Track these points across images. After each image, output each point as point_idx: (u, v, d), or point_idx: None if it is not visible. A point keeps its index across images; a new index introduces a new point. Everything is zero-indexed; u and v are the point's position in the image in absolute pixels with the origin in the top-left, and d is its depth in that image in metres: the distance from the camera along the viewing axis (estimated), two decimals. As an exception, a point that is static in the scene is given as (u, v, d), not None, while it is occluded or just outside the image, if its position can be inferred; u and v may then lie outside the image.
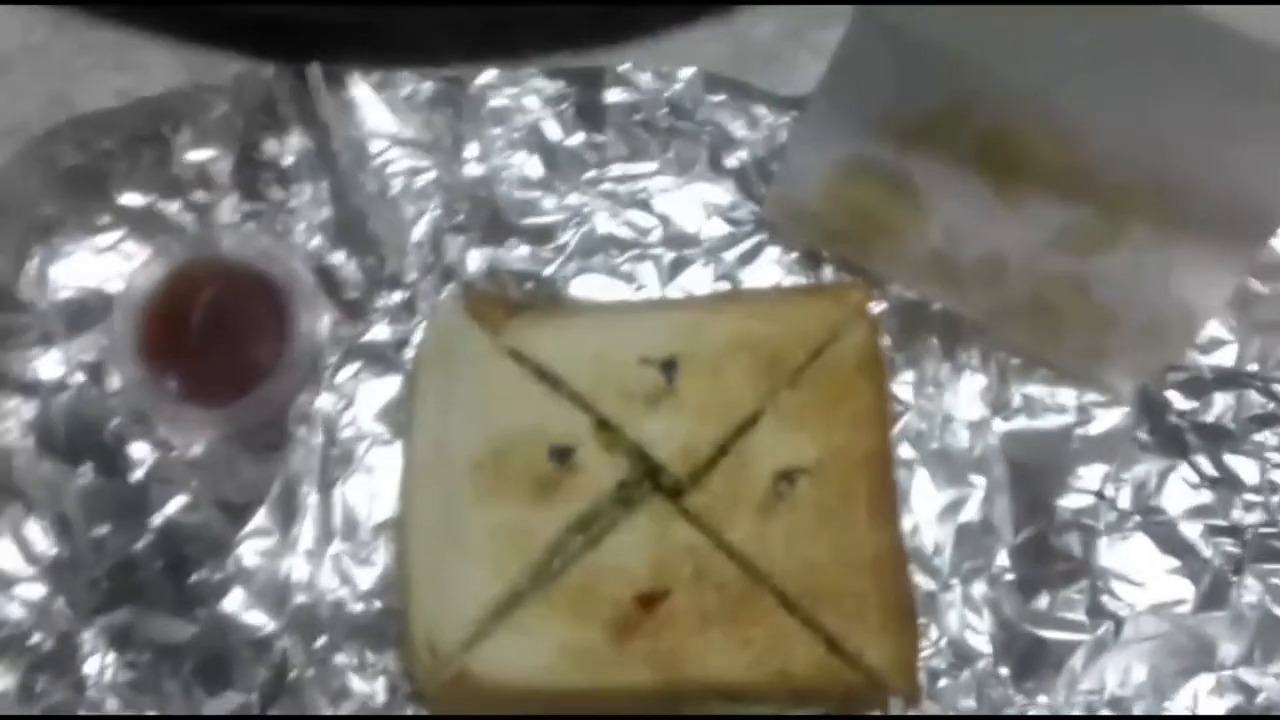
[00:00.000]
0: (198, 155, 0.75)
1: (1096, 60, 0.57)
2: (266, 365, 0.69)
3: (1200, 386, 0.71)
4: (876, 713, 0.64)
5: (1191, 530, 0.68)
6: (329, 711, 0.64)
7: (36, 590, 0.66)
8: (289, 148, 0.75)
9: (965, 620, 0.66)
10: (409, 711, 0.64)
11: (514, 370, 0.66)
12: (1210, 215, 0.61)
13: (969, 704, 0.65)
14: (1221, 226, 0.61)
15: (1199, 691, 0.65)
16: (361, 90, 0.75)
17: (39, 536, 0.67)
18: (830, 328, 0.67)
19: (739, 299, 0.71)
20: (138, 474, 0.69)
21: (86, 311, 0.72)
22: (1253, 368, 0.71)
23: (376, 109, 0.75)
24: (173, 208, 0.74)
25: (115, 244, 0.74)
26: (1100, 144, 0.60)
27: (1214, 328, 0.71)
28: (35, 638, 0.65)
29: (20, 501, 0.68)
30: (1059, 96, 0.59)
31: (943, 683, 0.65)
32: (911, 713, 0.64)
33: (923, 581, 0.67)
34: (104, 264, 0.73)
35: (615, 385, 0.65)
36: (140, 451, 0.69)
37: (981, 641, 0.66)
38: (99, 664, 0.65)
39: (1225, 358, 0.71)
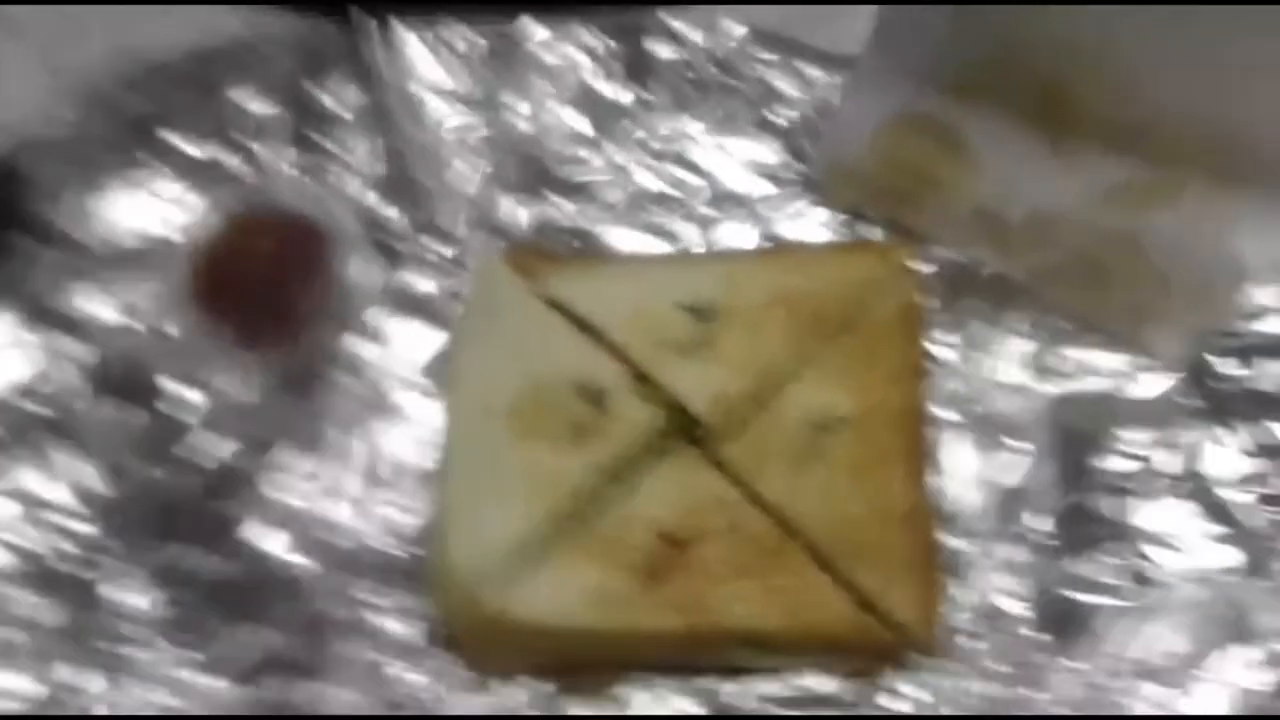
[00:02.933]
0: (256, 107, 0.76)
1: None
2: (317, 313, 0.70)
3: (1249, 352, 0.69)
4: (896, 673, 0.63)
5: (1238, 498, 0.66)
6: (370, 653, 0.65)
7: (86, 528, 0.68)
8: (344, 101, 0.76)
9: (999, 584, 0.65)
10: (444, 656, 0.65)
11: (553, 319, 0.67)
12: (1270, 169, 0.59)
13: (998, 668, 0.64)
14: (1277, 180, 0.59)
15: (1238, 663, 0.63)
16: (414, 46, 0.77)
17: (92, 478, 0.69)
18: (871, 284, 0.67)
19: (779, 253, 0.71)
20: (190, 418, 0.70)
21: (145, 258, 0.74)
22: (1305, 335, 0.69)
23: (429, 64, 0.76)
24: (232, 160, 0.76)
25: (177, 194, 0.76)
26: (1159, 93, 0.59)
27: (1264, 295, 0.69)
28: (87, 574, 0.67)
29: (74, 441, 0.70)
30: (1116, 41, 0.58)
31: (974, 644, 0.64)
32: (937, 677, 0.63)
33: (961, 545, 0.66)
34: (164, 211, 0.75)
35: (652, 335, 0.65)
36: (194, 397, 0.71)
37: (1015, 605, 0.65)
38: (148, 600, 0.66)
39: (1274, 324, 0.69)
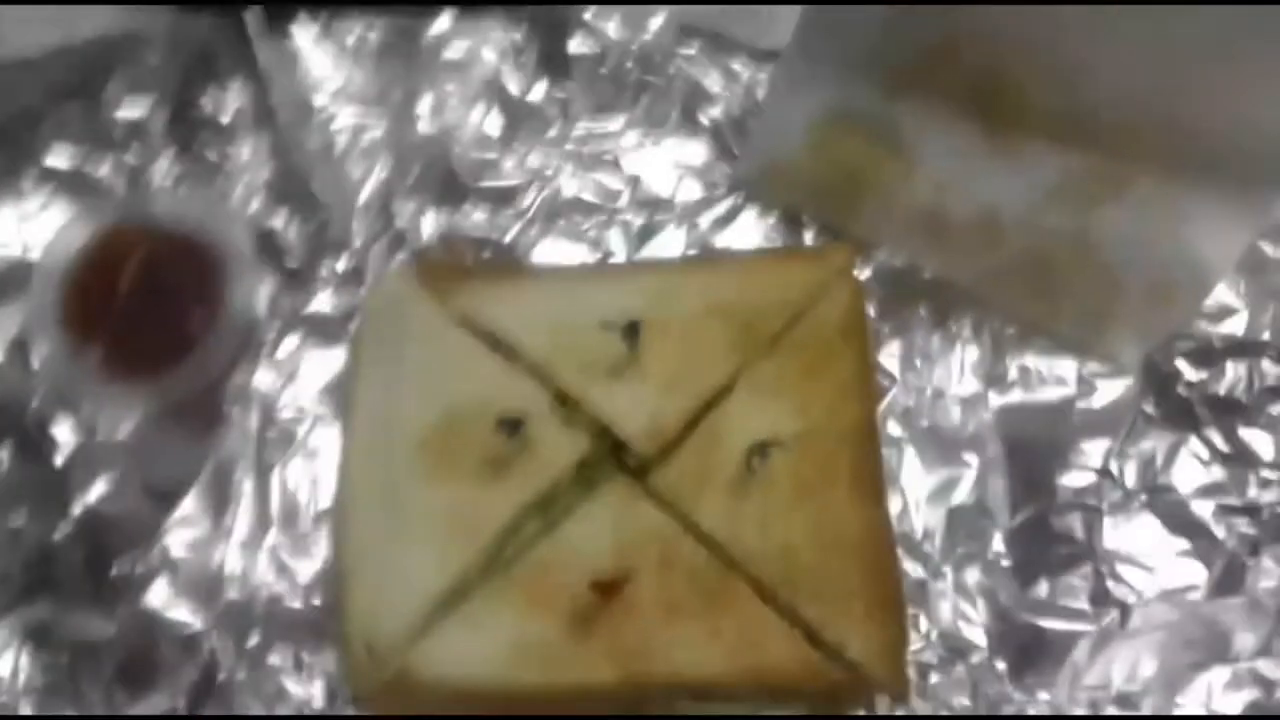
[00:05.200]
0: (129, 111, 0.70)
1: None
2: (198, 337, 0.63)
3: (1210, 356, 0.65)
4: (861, 712, 0.58)
5: (1203, 509, 0.62)
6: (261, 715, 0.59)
7: (-57, 584, 0.61)
8: (227, 102, 0.70)
9: (958, 610, 0.61)
10: (349, 713, 0.59)
11: (465, 339, 0.61)
12: (1223, 159, 0.56)
13: (963, 702, 0.59)
14: (1235, 172, 0.56)
15: (1213, 685, 0.59)
16: (304, 39, 0.70)
17: (-51, 525, 0.62)
18: (810, 291, 0.62)
19: (710, 262, 0.66)
20: (59, 458, 0.64)
21: (8, 281, 0.67)
22: (1265, 336, 0.66)
23: (320, 60, 0.70)
24: (103, 168, 0.69)
25: (40, 208, 0.69)
26: (1102, 78, 0.55)
27: (1223, 294, 0.66)
28: (-58, 636, 0.60)
29: (-71, 487, 0.63)
30: (1059, 26, 0.54)
31: (934, 679, 0.60)
32: (900, 712, 0.58)
33: (912, 569, 0.61)
34: (28, 229, 0.68)
35: (575, 355, 0.59)
36: (63, 433, 0.64)
37: (976, 633, 0.60)
38: (12, 664, 0.60)
39: (1236, 326, 0.66)
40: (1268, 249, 0.67)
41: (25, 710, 0.60)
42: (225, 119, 0.70)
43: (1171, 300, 0.61)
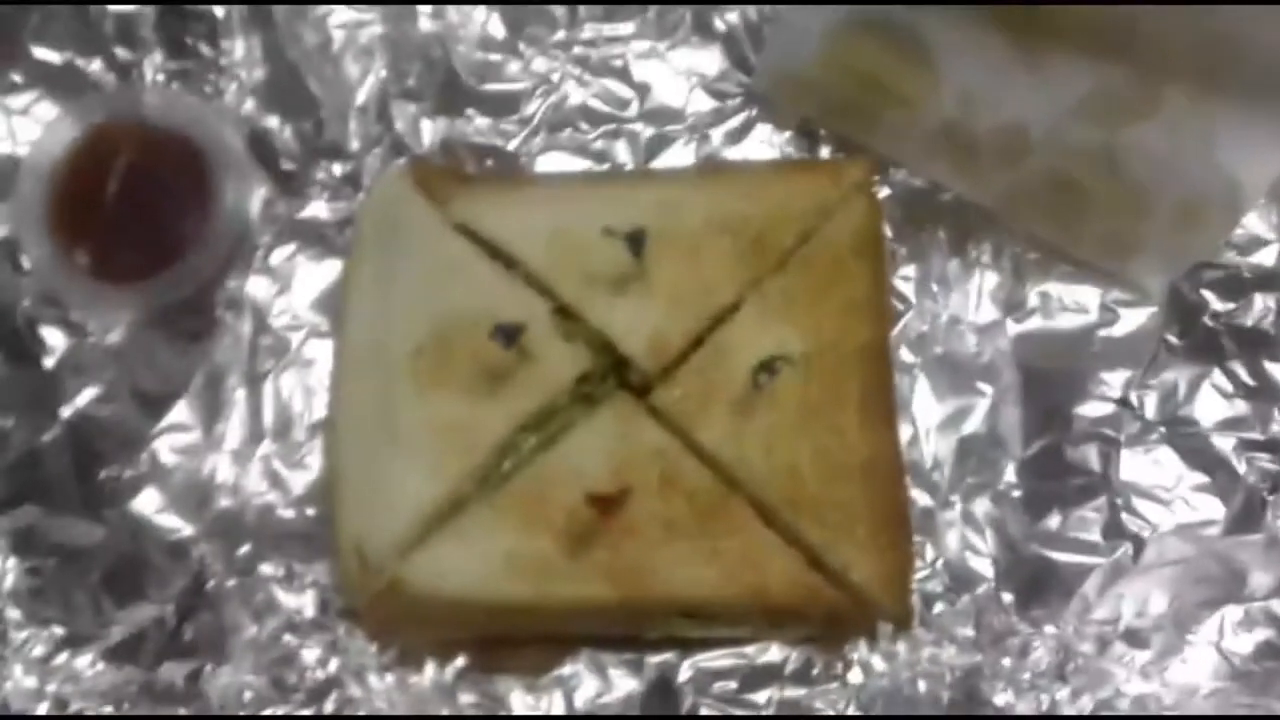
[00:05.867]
0: (118, 6, 0.67)
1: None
2: (189, 239, 0.61)
3: (1238, 286, 0.63)
4: (861, 646, 0.57)
5: (1224, 444, 0.60)
6: (256, 627, 0.58)
7: (-71, 485, 0.60)
8: (220, -3, 0.67)
9: (966, 540, 0.59)
10: (340, 629, 0.58)
11: (463, 247, 0.59)
12: (1259, 73, 0.53)
13: (966, 633, 0.58)
14: (1271, 87, 0.53)
15: (1225, 623, 0.58)
16: (300, -68, 0.67)
17: (-65, 427, 0.61)
18: (824, 206, 0.59)
19: (720, 174, 0.63)
20: (48, 361, 0.62)
21: (-5, 180, 0.64)
22: (1297, 267, 0.63)
23: (318, -47, 0.67)
24: (92, 65, 0.66)
25: (29, 105, 0.66)
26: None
27: (1253, 224, 0.63)
28: (-74, 537, 0.59)
29: (-84, 388, 0.61)
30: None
31: (938, 608, 0.58)
32: (901, 649, 0.57)
33: (919, 497, 0.60)
34: (15, 126, 0.66)
35: (577, 266, 0.57)
36: (52, 337, 0.63)
37: (984, 564, 0.59)
38: None
39: (1266, 257, 0.64)
40: (1303, 178, 0.64)
41: (13, 615, 0.58)
42: (218, 12, 0.67)
43: (1201, 225, 0.59)
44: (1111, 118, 0.57)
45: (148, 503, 0.60)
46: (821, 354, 0.57)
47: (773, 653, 0.57)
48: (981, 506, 0.60)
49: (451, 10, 0.67)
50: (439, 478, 0.55)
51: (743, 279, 0.58)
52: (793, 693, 0.57)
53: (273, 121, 0.65)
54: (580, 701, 0.57)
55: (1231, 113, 0.55)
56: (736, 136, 0.66)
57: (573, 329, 0.57)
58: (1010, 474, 0.60)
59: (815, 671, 0.57)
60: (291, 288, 0.63)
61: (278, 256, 0.64)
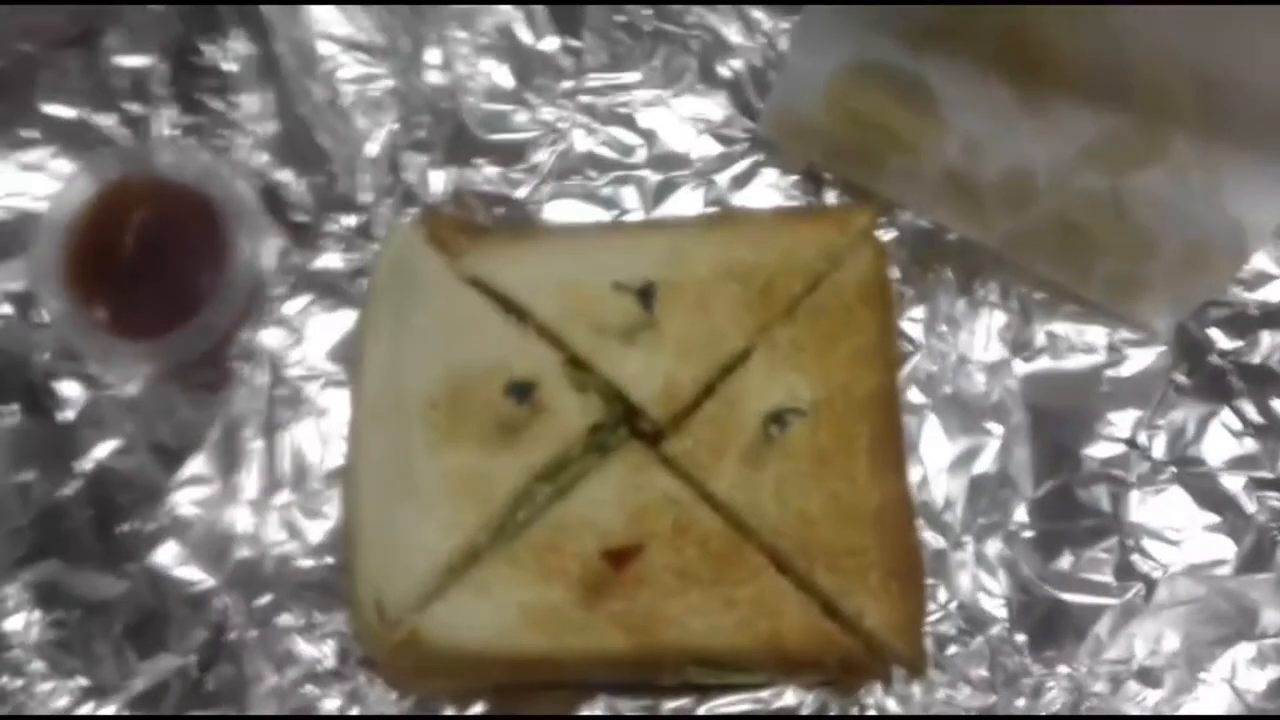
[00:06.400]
0: (131, 61, 0.67)
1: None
2: (205, 293, 0.62)
3: (1245, 324, 0.63)
4: (877, 689, 0.57)
5: (1233, 483, 0.61)
6: (276, 677, 0.59)
7: (-49, 541, 0.60)
8: (230, 53, 0.68)
9: (978, 581, 0.60)
10: (360, 678, 0.59)
11: (475, 300, 0.59)
12: (1263, 119, 0.54)
13: (980, 674, 0.58)
14: (1275, 132, 0.54)
15: (1238, 661, 0.58)
16: (309, -13, 0.68)
17: (-43, 482, 0.61)
18: (831, 254, 0.60)
19: (729, 222, 0.64)
20: (67, 414, 0.63)
21: (11, 235, 0.65)
22: (1304, 304, 0.64)
23: (325, 8, 0.68)
24: (106, 120, 0.67)
25: (43, 161, 0.67)
26: (1143, 35, 0.53)
27: (1260, 261, 0.64)
28: (-49, 593, 0.60)
29: (-63, 444, 0.62)
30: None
31: (952, 650, 0.59)
32: (916, 691, 0.57)
33: (931, 539, 0.60)
34: (30, 182, 0.66)
35: (588, 317, 0.58)
36: (71, 390, 0.63)
37: (996, 605, 0.59)
38: (23, 621, 0.60)
39: (1273, 293, 0.64)
40: (1310, 212, 0.64)
41: (37, 666, 0.59)
42: (229, 67, 0.67)
43: (1207, 267, 0.59)
44: (1117, 164, 0.58)
45: (168, 555, 0.61)
46: (831, 401, 0.57)
47: (788, 697, 0.58)
48: (993, 547, 0.60)
49: (459, 63, 0.68)
50: (455, 529, 0.55)
51: (752, 327, 0.58)
52: (809, 739, 0.57)
53: (285, 175, 0.66)
54: (597, 748, 0.57)
55: (1235, 158, 0.56)
56: (743, 181, 0.67)
57: (585, 379, 0.58)
58: (1021, 514, 0.61)
59: (831, 715, 0.58)
60: (306, 338, 0.64)
61: (292, 307, 0.64)
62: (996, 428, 0.62)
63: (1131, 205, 0.59)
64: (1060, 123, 0.58)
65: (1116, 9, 0.53)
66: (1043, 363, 0.63)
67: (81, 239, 0.62)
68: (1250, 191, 0.56)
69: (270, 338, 0.64)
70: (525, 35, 0.68)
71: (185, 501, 0.61)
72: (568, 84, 0.68)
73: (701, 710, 0.58)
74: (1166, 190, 0.58)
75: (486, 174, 0.67)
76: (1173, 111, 0.56)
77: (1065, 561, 0.60)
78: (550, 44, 0.68)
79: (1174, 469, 0.61)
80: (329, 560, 0.60)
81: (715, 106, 0.68)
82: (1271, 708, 0.57)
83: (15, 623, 0.59)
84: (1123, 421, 0.62)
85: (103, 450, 0.62)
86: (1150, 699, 0.58)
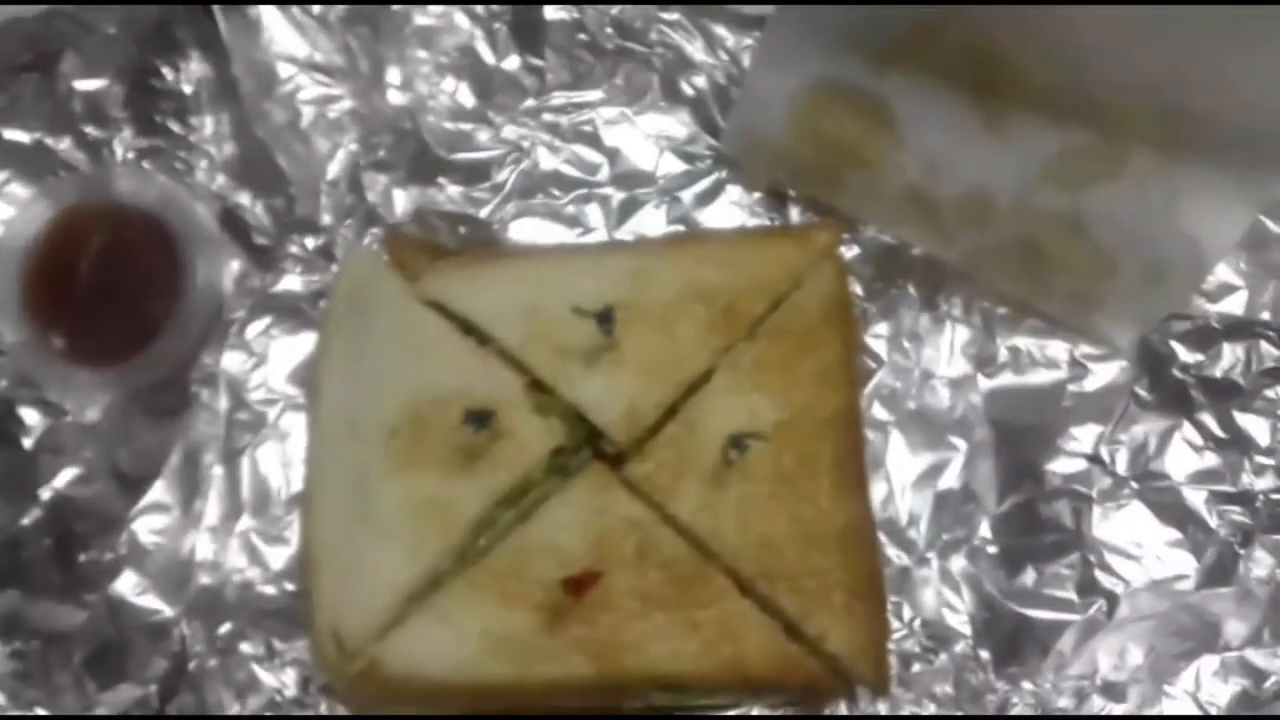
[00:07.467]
0: (87, 84, 0.67)
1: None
2: (162, 320, 0.62)
3: (1207, 337, 0.63)
4: (841, 707, 0.57)
5: (1195, 497, 0.61)
6: (234, 705, 0.58)
7: (-91, 572, 0.60)
8: (187, 75, 0.67)
9: (942, 598, 0.60)
10: (323, 706, 0.58)
11: (435, 324, 0.59)
12: (1222, 139, 0.54)
13: (945, 690, 0.58)
14: (1234, 151, 0.54)
15: (1201, 674, 0.58)
16: (266, 8, 0.67)
17: (-86, 512, 0.61)
18: (793, 274, 0.60)
19: (691, 243, 0.64)
20: (25, 443, 0.62)
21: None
22: (1265, 316, 0.64)
23: (283, 29, 0.67)
24: (62, 144, 0.66)
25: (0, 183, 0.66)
26: (1102, 56, 0.53)
27: (1222, 272, 0.64)
28: (-91, 624, 0.59)
29: (-106, 474, 0.61)
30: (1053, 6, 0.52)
31: (916, 668, 0.59)
32: (882, 709, 0.57)
33: (895, 555, 0.60)
34: (-12, 205, 0.65)
35: (550, 340, 0.58)
36: (29, 418, 0.63)
37: (960, 621, 0.59)
38: None
39: (1235, 305, 0.64)
40: (1270, 224, 0.65)
41: (-2, 699, 0.59)
42: (187, 89, 0.67)
43: (1167, 282, 0.59)
44: (1076, 180, 0.58)
45: (128, 584, 0.60)
46: (794, 422, 0.57)
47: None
48: (957, 564, 0.60)
49: (420, 82, 0.67)
50: (415, 557, 0.55)
51: (714, 348, 0.58)
52: (773, 759, 0.57)
53: (244, 197, 0.65)
54: (562, 771, 0.57)
55: (1193, 177, 0.56)
56: (707, 199, 0.66)
57: (546, 403, 0.57)
58: (985, 529, 0.61)
59: (798, 735, 0.58)
60: (267, 361, 0.63)
61: (252, 331, 0.64)
62: (960, 443, 0.62)
63: (1090, 224, 0.59)
64: (1021, 139, 0.58)
65: (1080, 30, 0.53)
66: (1006, 378, 0.63)
67: (38, 266, 0.62)
68: (1207, 210, 0.56)
69: (231, 362, 0.63)
70: (487, 54, 0.68)
71: (145, 530, 0.61)
72: (530, 102, 0.67)
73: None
74: (1125, 209, 0.58)
75: (450, 194, 0.66)
76: (1133, 130, 0.56)
77: (1029, 578, 0.60)
78: (512, 63, 0.68)
79: (1136, 484, 0.61)
80: (290, 587, 0.60)
81: (678, 124, 0.67)
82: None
83: (-28, 654, 0.59)
84: (1085, 436, 0.62)
85: (62, 479, 0.61)
86: (1115, 712, 0.58)
